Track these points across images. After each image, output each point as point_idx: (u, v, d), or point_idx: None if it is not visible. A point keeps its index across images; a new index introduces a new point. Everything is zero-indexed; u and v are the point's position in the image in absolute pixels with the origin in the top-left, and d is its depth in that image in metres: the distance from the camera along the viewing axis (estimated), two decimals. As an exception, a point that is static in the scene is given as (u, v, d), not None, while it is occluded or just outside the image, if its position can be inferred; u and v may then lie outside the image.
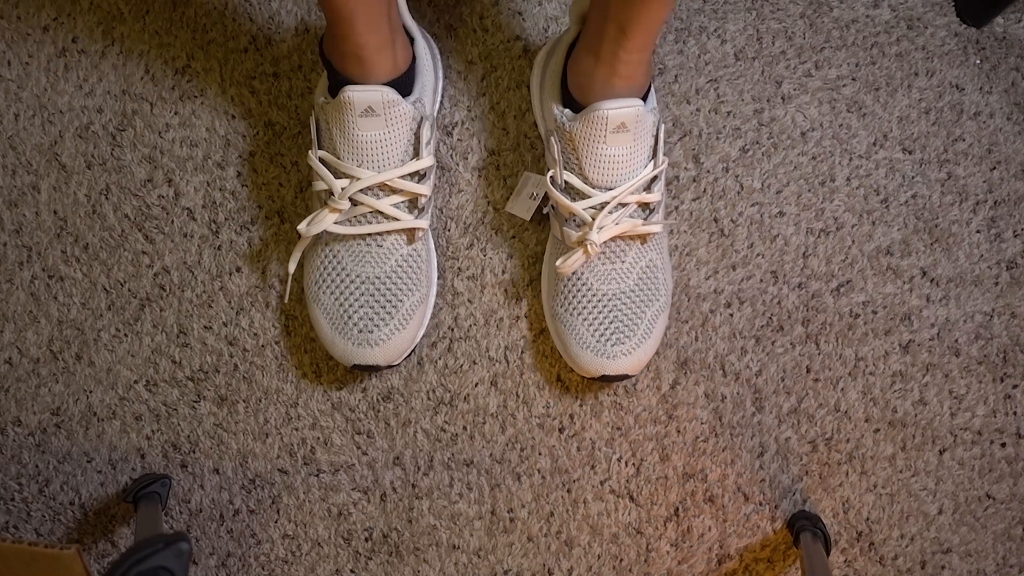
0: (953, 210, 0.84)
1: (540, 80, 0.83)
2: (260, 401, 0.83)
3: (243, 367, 0.84)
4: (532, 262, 0.83)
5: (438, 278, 0.83)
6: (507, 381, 0.82)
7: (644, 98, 0.75)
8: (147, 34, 0.87)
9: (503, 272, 0.83)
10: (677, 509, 0.82)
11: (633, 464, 0.82)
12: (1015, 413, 0.82)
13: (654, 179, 0.76)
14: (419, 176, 0.76)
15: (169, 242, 0.85)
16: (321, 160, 0.75)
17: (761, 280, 0.83)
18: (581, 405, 0.82)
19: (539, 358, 0.82)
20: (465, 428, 0.82)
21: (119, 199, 0.86)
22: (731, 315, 0.83)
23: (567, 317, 0.77)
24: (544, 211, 0.81)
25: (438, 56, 0.85)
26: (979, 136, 0.85)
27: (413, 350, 0.82)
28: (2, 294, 0.85)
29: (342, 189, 0.74)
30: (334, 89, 0.73)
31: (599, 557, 0.82)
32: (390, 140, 0.73)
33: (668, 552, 0.82)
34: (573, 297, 0.77)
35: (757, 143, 0.85)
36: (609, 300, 0.77)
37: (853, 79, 0.86)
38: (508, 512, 0.82)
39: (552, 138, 0.75)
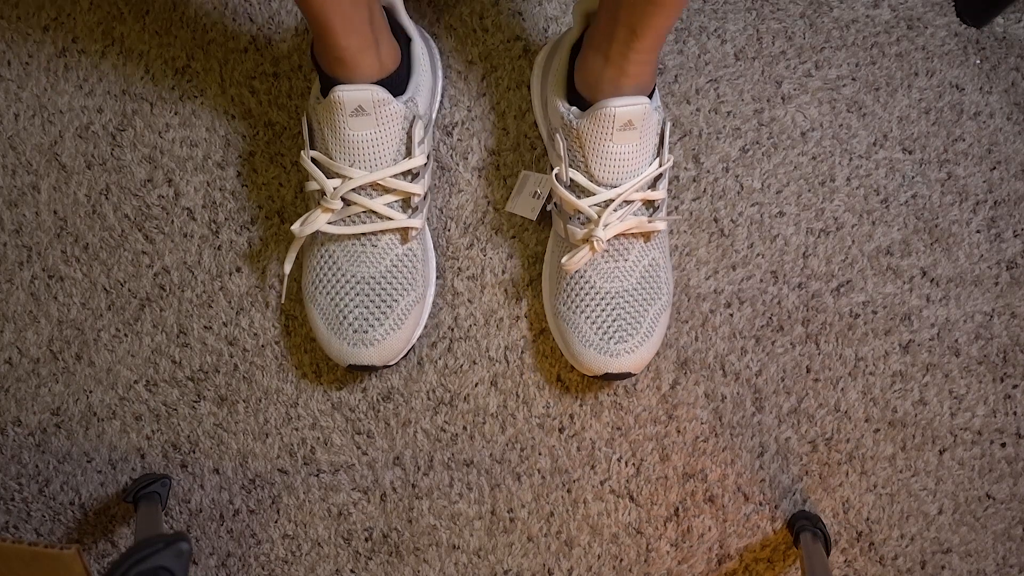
0: (953, 210, 0.84)
1: (540, 80, 0.83)
2: (260, 401, 0.83)
3: (243, 367, 0.84)
4: (532, 262, 0.83)
5: (438, 278, 0.83)
6: (507, 381, 0.82)
7: (649, 96, 0.75)
8: (147, 34, 0.87)
9: (503, 272, 0.83)
10: (677, 509, 0.82)
11: (633, 464, 0.82)
12: (1015, 413, 0.82)
13: (659, 177, 0.76)
14: (412, 175, 0.76)
15: (169, 242, 0.85)
16: (313, 160, 0.75)
17: (761, 280, 0.83)
18: (581, 405, 0.82)
19: (539, 358, 0.82)
20: (465, 428, 0.82)
21: (119, 199, 0.86)
22: (731, 315, 0.83)
23: (570, 315, 0.78)
24: (548, 208, 0.81)
25: (437, 56, 0.85)
26: (979, 136, 0.85)
27: (412, 350, 0.82)
28: (2, 294, 0.85)
29: (334, 189, 0.74)
30: (325, 90, 0.73)
31: (599, 557, 0.82)
32: (381, 139, 0.73)
33: (668, 552, 0.82)
34: (576, 295, 0.77)
35: (757, 143, 0.85)
36: (612, 298, 0.77)
37: (853, 79, 0.86)
38: (508, 512, 0.82)
39: (557, 135, 0.75)
